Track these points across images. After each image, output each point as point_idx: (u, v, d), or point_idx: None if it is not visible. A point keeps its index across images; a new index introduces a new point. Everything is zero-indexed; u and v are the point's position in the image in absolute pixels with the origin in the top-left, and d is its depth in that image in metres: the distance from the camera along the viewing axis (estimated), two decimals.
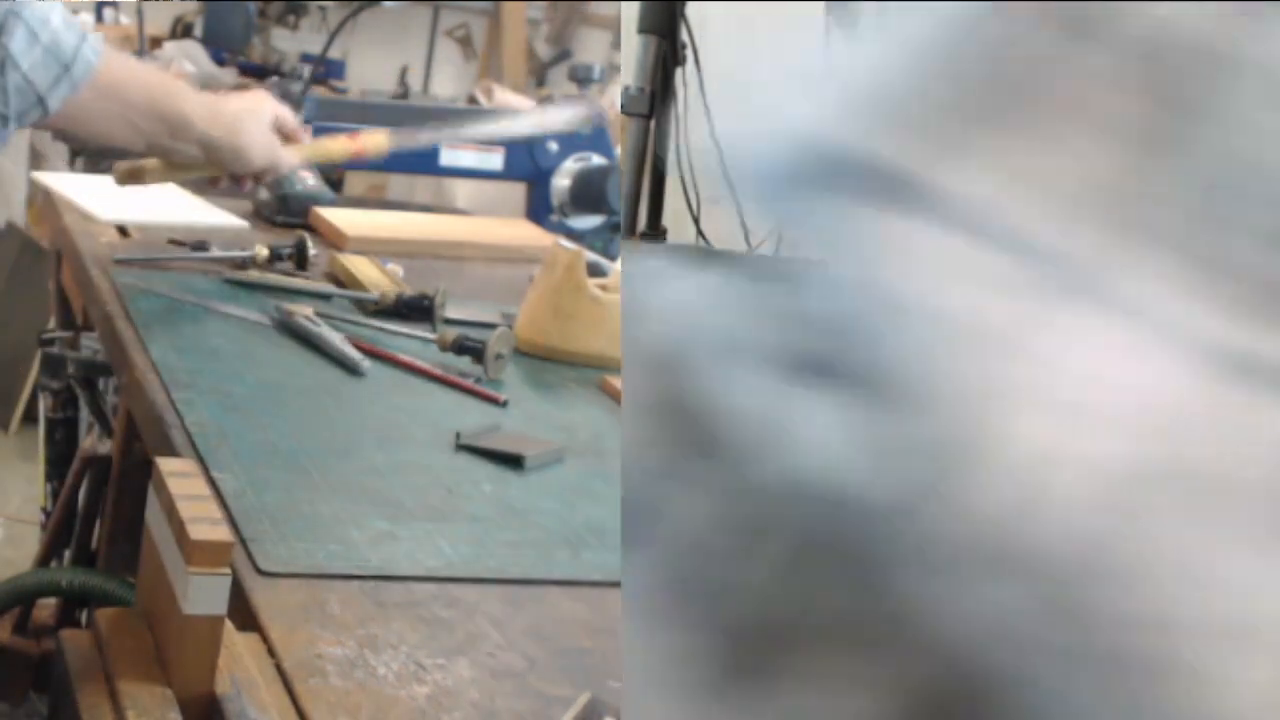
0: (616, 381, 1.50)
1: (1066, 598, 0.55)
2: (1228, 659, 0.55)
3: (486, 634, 0.94)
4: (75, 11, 3.89)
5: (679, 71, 2.39)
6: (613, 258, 2.10)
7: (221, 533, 0.83)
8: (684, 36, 2.39)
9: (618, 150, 2.92)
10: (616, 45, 4.60)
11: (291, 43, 4.27)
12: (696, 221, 2.55)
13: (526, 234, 2.42)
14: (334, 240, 2.07)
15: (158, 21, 3.90)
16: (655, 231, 2.53)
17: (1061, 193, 0.61)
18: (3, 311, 4.10)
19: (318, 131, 2.65)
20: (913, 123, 0.65)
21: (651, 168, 2.45)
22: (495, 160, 2.83)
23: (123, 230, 1.92)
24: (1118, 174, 0.61)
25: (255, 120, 1.61)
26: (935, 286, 0.61)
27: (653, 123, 2.35)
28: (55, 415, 2.07)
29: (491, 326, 1.64)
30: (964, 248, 0.61)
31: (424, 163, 2.89)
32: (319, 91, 3.21)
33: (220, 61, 3.77)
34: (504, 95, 3.96)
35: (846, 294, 0.63)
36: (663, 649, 0.58)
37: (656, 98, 2.32)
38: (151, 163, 1.64)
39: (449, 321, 1.71)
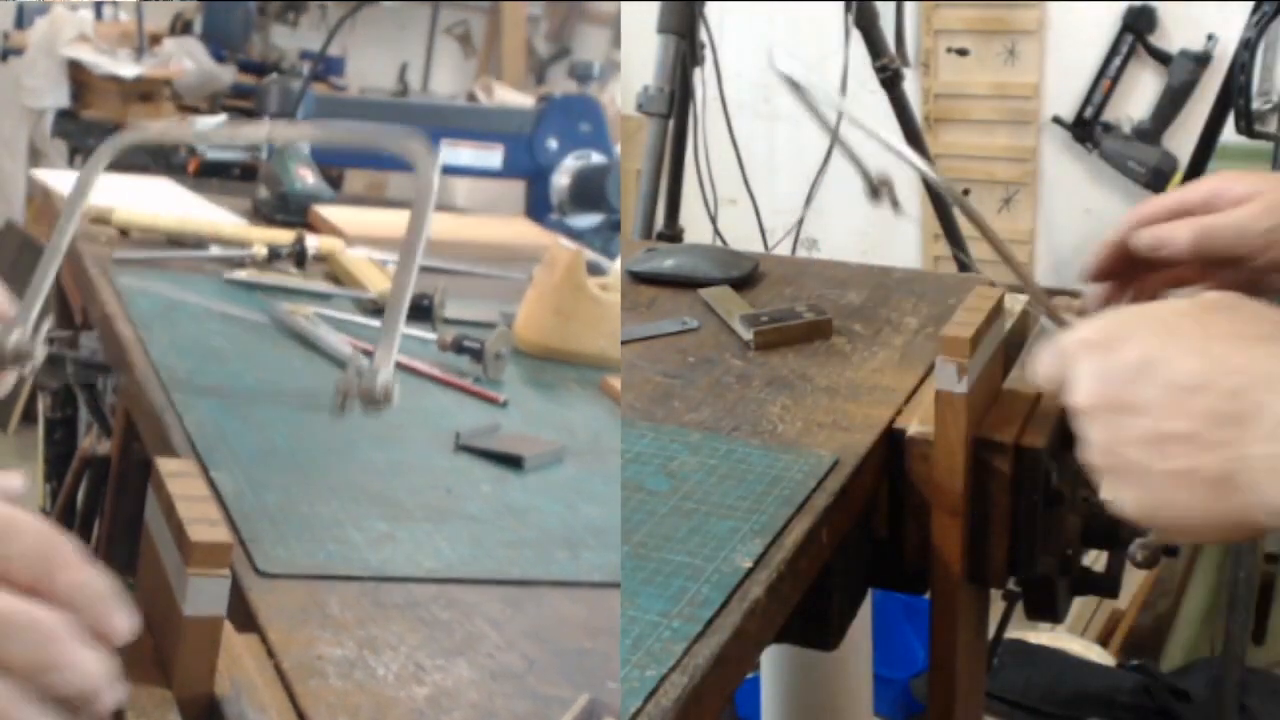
0: (616, 381, 1.49)
1: None
2: None
3: (486, 635, 0.94)
4: (74, 8, 3.86)
5: (698, 71, 2.39)
6: (612, 257, 2.09)
7: (221, 533, 0.82)
8: (703, 36, 2.39)
9: (617, 148, 2.91)
10: (616, 43, 4.60)
11: (291, 40, 4.27)
12: (714, 221, 2.55)
13: (525, 233, 2.42)
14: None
15: (157, 19, 3.89)
16: (672, 231, 2.53)
17: None
18: None
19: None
20: None
21: (670, 167, 2.45)
22: (494, 158, 2.82)
23: (122, 230, 1.91)
24: None
25: None
26: None
27: (671, 122, 2.35)
28: (54, 415, 2.06)
29: (491, 326, 1.64)
30: None
31: None
32: (318, 89, 3.21)
33: (220, 59, 3.77)
34: (504, 92, 3.96)
35: None
36: None
37: (675, 97, 2.31)
38: None
39: (448, 321, 1.70)
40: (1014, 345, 1.19)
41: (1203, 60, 3.21)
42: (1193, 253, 1.05)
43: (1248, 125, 2.25)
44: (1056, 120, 3.43)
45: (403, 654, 0.89)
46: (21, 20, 4.01)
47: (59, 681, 0.54)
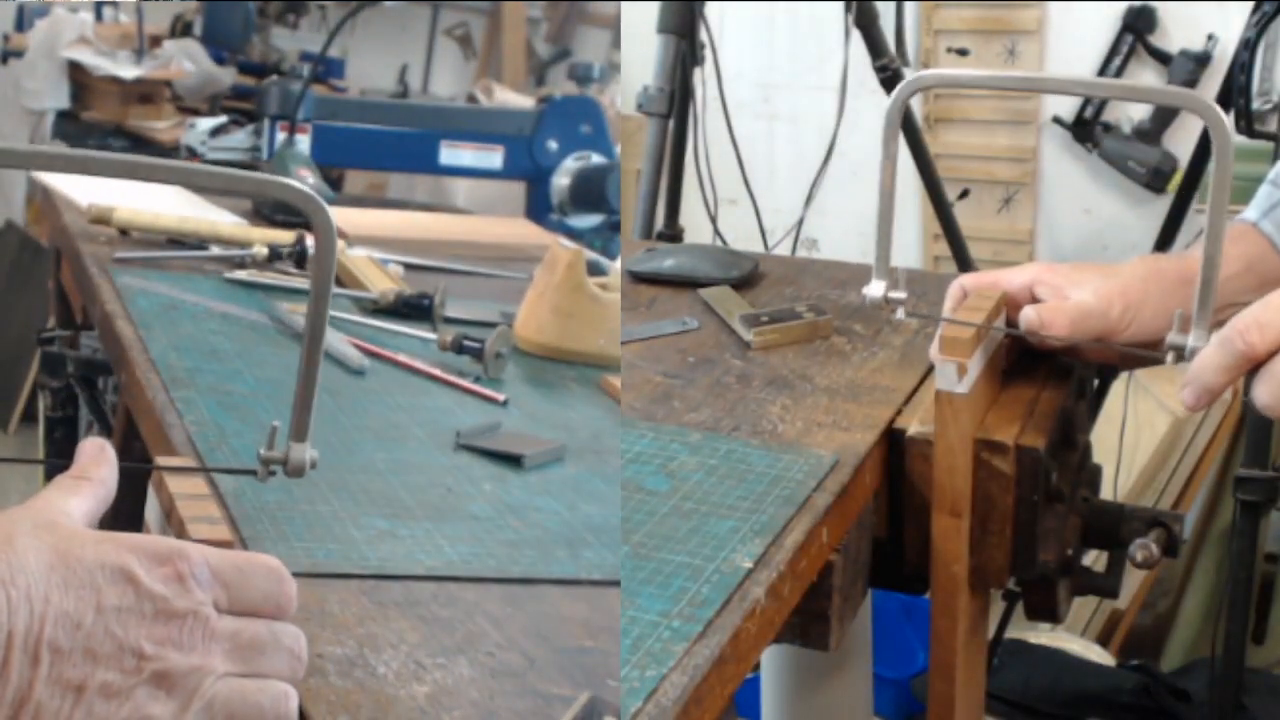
0: (616, 380, 1.49)
1: None
2: None
3: (486, 633, 0.94)
4: (75, 10, 3.87)
5: (698, 71, 2.39)
6: (612, 256, 2.09)
7: (221, 532, 0.82)
8: (703, 36, 2.39)
9: (617, 149, 2.91)
10: (616, 44, 4.60)
11: (291, 41, 4.27)
12: (714, 221, 2.54)
13: (525, 233, 2.42)
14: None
15: (157, 20, 3.89)
16: (672, 231, 2.53)
17: None
18: (2, 310, 4.09)
19: (319, 130, 2.66)
20: None
21: (670, 167, 2.45)
22: (495, 159, 2.82)
23: (123, 230, 1.91)
24: None
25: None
26: None
27: (671, 122, 2.35)
28: (55, 414, 2.06)
29: (491, 325, 1.64)
30: None
31: (424, 161, 2.89)
32: (318, 90, 3.21)
33: (220, 60, 3.77)
34: (504, 94, 3.96)
35: None
36: None
37: (675, 97, 2.31)
38: None
39: (449, 320, 1.70)
40: None
41: (1203, 60, 3.21)
42: (1069, 334, 1.10)
43: (1248, 125, 2.25)
44: (1056, 120, 3.43)
45: (403, 652, 0.89)
46: (22, 22, 4.01)
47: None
